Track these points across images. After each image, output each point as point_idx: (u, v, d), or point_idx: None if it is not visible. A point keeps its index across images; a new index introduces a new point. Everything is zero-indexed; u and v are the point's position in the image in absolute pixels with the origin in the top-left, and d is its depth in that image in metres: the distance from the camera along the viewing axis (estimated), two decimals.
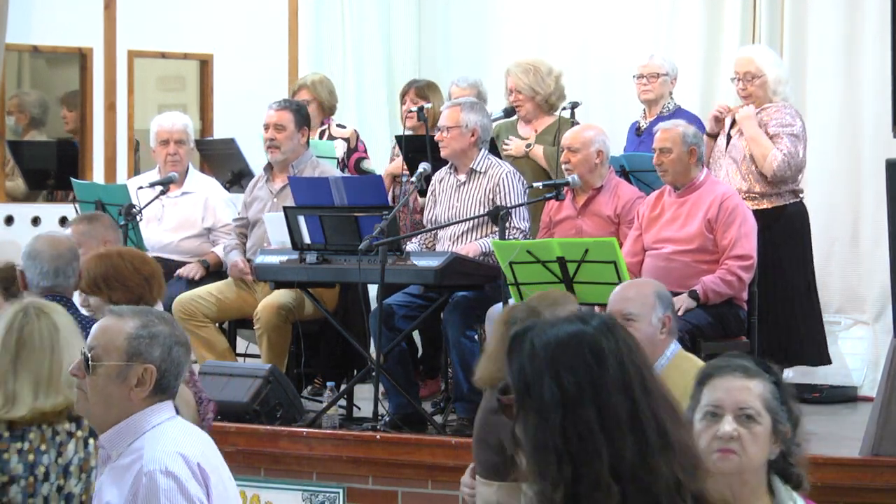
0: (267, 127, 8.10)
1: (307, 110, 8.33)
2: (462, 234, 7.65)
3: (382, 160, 9.49)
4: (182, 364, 3.76)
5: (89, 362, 3.69)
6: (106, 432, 3.70)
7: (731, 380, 3.32)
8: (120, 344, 3.69)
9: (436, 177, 7.84)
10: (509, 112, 8.39)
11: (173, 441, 3.66)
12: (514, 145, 8.23)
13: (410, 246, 7.79)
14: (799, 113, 7.78)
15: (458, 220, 7.63)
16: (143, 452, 3.63)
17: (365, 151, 9.02)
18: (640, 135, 8.22)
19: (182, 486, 3.58)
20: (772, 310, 7.43)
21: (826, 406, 7.88)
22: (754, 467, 3.30)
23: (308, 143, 8.22)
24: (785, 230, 7.59)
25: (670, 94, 8.29)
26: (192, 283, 8.26)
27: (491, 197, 7.57)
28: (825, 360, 7.80)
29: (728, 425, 3.27)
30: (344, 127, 9.09)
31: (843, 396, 8.09)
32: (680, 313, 6.85)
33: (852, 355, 8.56)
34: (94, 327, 3.78)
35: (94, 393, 3.70)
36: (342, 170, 8.71)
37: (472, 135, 7.64)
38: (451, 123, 7.65)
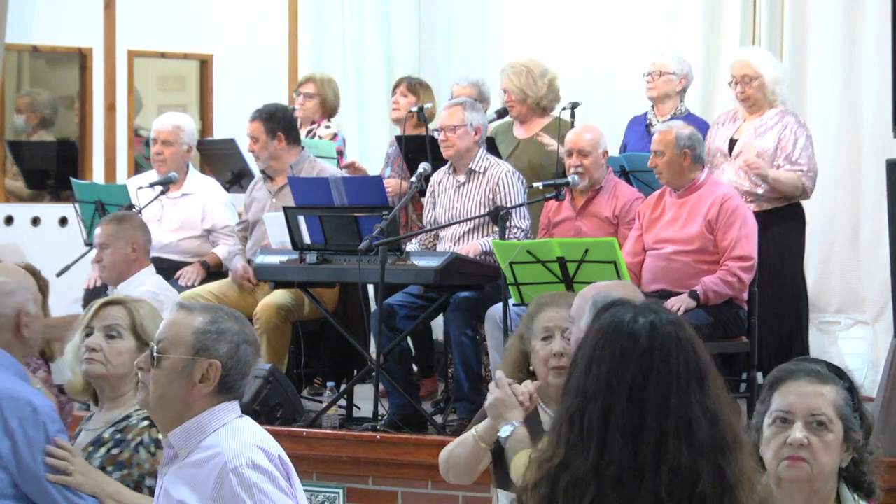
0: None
1: (282, 113, 8.24)
2: (463, 234, 7.65)
3: (381, 161, 9.49)
4: (249, 364, 3.72)
5: (155, 355, 3.64)
6: (175, 430, 3.64)
7: (803, 385, 3.23)
8: (187, 338, 3.64)
9: (434, 178, 7.83)
10: (501, 113, 8.37)
11: (250, 436, 3.63)
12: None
13: (411, 246, 7.79)
14: (797, 114, 7.80)
15: (458, 220, 7.63)
16: (221, 449, 3.57)
17: (342, 152, 9.04)
18: (650, 132, 8.19)
19: (272, 478, 3.54)
20: (769, 311, 7.44)
21: None
22: (825, 476, 3.22)
23: (298, 142, 8.21)
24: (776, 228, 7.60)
25: (679, 95, 8.25)
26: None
27: (491, 196, 7.56)
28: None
29: (799, 432, 3.19)
30: (329, 127, 9.10)
31: None
32: (679, 313, 6.86)
33: (852, 355, 8.55)
34: (164, 321, 3.75)
35: (157, 387, 3.65)
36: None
37: (476, 133, 7.65)
38: (457, 122, 7.62)
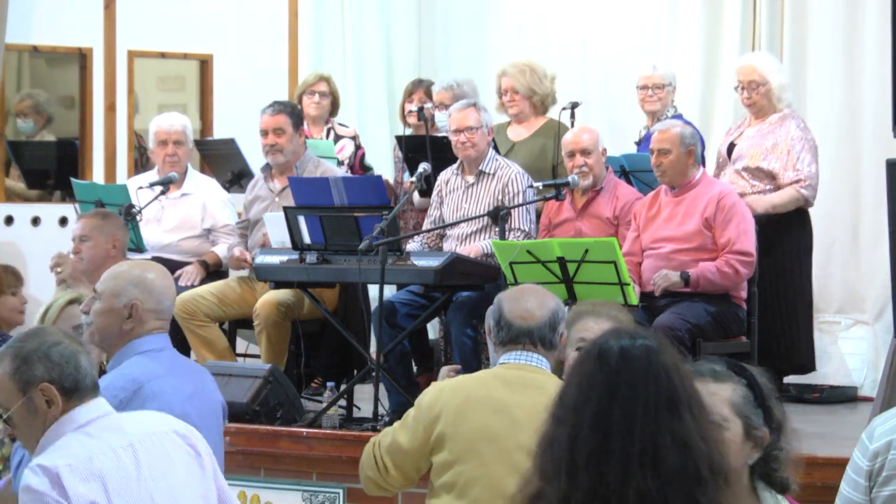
0: (265, 132, 8.04)
1: (300, 110, 8.32)
2: (469, 234, 7.65)
3: (382, 160, 9.50)
4: (72, 355, 3.70)
5: (4, 419, 3.72)
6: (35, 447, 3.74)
7: (697, 385, 3.20)
8: (10, 386, 3.69)
9: (441, 177, 7.83)
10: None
11: (44, 451, 3.64)
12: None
13: (413, 246, 7.79)
14: (800, 118, 7.82)
15: (460, 220, 7.63)
16: None
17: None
18: (639, 143, 8.21)
19: (39, 498, 3.52)
20: (769, 313, 7.44)
21: (826, 406, 7.87)
22: None
23: (305, 142, 8.23)
24: (785, 234, 7.62)
25: (672, 102, 8.28)
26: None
27: (500, 198, 7.56)
28: (811, 366, 7.82)
29: None
30: (347, 126, 9.12)
31: (843, 396, 8.08)
32: (661, 287, 6.90)
33: (852, 355, 8.56)
34: None
35: (26, 440, 3.73)
36: (349, 168, 8.74)
37: (489, 134, 7.68)
38: (474, 123, 7.62)
